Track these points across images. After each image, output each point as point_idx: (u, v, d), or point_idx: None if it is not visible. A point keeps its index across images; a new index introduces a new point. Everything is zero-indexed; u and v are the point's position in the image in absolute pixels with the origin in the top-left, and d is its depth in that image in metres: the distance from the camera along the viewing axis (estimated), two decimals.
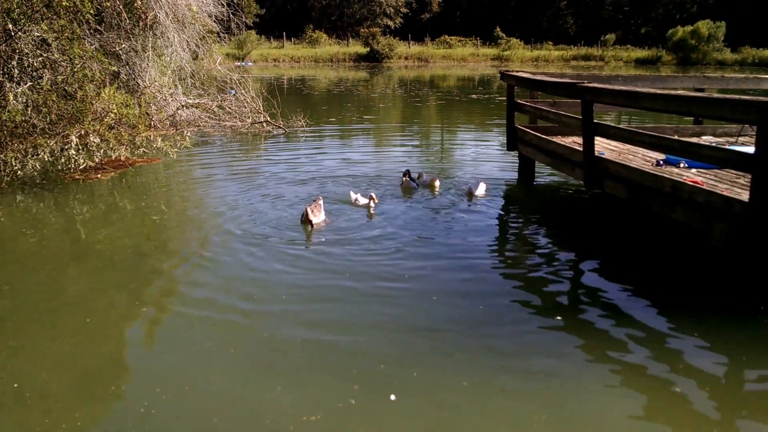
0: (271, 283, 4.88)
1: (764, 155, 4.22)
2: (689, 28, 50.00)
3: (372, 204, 5.85)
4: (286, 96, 21.18)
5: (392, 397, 3.37)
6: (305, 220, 6.14)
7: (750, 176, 4.41)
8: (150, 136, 8.79)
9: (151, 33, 12.08)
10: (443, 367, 3.71)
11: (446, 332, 4.14)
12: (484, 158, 10.67)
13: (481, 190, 7.61)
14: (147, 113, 11.04)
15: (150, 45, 12.02)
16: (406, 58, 52.99)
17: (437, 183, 8.02)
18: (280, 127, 13.14)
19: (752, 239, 4.40)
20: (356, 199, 6.01)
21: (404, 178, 7.98)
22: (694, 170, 6.22)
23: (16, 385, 3.45)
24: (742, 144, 6.93)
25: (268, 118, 13.34)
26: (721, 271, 5.06)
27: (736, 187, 5.43)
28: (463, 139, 13.88)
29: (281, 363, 3.74)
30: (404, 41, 55.78)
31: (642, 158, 6.94)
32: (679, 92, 5.73)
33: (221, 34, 15.51)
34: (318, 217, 6.22)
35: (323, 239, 5.94)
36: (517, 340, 4.07)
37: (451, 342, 4.02)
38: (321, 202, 6.49)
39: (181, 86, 13.17)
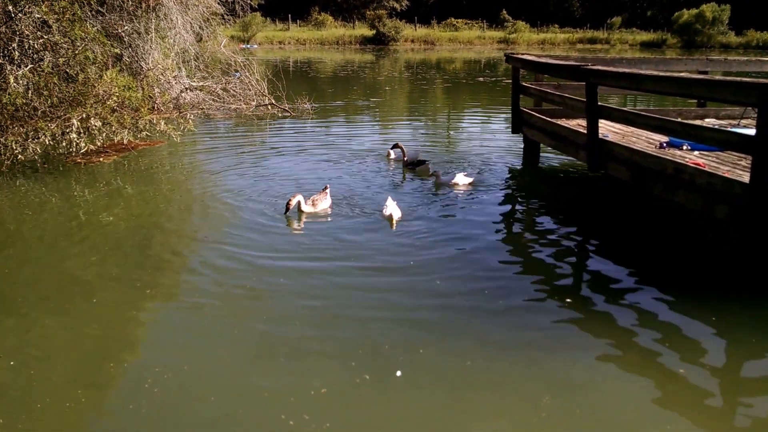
0: (273, 268, 4.91)
1: (765, 137, 4.21)
2: (694, 11, 49.54)
3: (395, 219, 5.80)
4: (291, 79, 21.14)
5: (398, 373, 3.42)
6: (295, 209, 6.11)
7: (751, 158, 4.40)
8: (153, 119, 8.78)
9: (154, 15, 12.04)
10: (447, 347, 3.75)
11: (450, 315, 4.17)
12: (489, 140, 10.66)
13: (461, 180, 7.31)
14: (150, 96, 11.05)
15: (153, 27, 11.98)
16: (412, 41, 52.67)
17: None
18: (286, 110, 13.10)
19: (753, 221, 4.40)
20: (386, 206, 5.92)
21: (390, 152, 8.28)
22: (696, 152, 6.20)
23: (20, 366, 3.50)
24: (745, 126, 6.89)
25: (273, 101, 13.31)
26: (725, 253, 5.06)
27: (737, 169, 5.42)
28: (469, 121, 13.86)
29: (284, 344, 3.77)
30: (410, 24, 55.38)
31: (645, 141, 6.92)
32: (682, 75, 5.71)
33: (225, 16, 15.46)
34: (318, 205, 6.19)
35: (326, 226, 5.96)
36: (522, 322, 4.10)
37: (454, 324, 4.05)
38: (328, 190, 6.47)
39: (185, 69, 13.15)
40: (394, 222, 5.80)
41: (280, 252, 5.22)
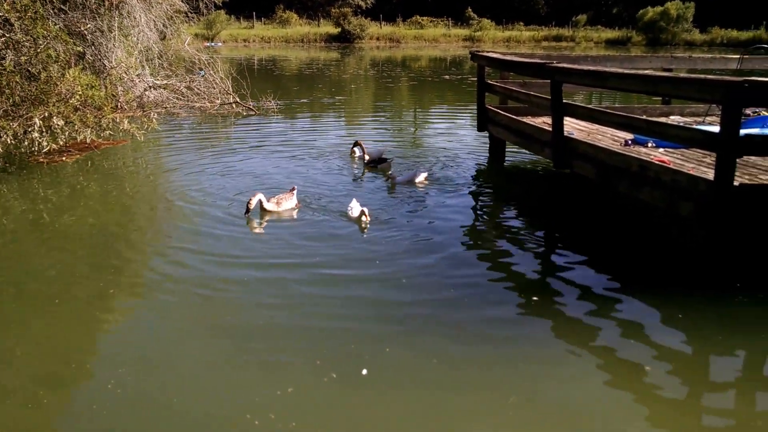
0: (239, 266, 4.84)
1: (728, 134, 4.28)
2: (659, 9, 50.39)
3: (364, 219, 5.73)
4: (256, 77, 20.95)
5: (364, 371, 3.39)
6: (257, 209, 6.03)
7: (715, 155, 4.47)
8: (116, 117, 8.59)
9: (117, 12, 11.79)
10: (414, 345, 3.73)
11: (416, 313, 4.15)
12: (455, 138, 10.68)
13: (416, 178, 7.26)
14: (113, 95, 10.80)
15: (116, 25, 11.73)
16: (377, 39, 52.64)
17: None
18: (251, 109, 12.98)
19: (718, 218, 4.46)
20: (351, 209, 5.85)
21: (355, 150, 8.33)
22: (661, 150, 6.27)
23: None
24: (710, 124, 7.01)
25: (238, 100, 13.16)
26: (690, 250, 5.14)
27: (702, 166, 5.49)
28: (435, 119, 13.88)
29: (249, 344, 3.72)
30: (376, 22, 55.31)
31: (611, 138, 6.98)
32: (646, 72, 5.77)
33: (189, 14, 15.23)
34: (283, 204, 6.10)
35: (293, 224, 5.91)
36: (487, 319, 4.09)
37: (421, 322, 4.03)
38: (295, 191, 6.39)
39: (149, 67, 12.90)
40: (364, 223, 5.75)
41: (245, 251, 5.14)
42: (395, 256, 5.07)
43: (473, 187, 7.36)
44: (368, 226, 5.70)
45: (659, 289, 4.62)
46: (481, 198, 7.03)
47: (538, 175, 8.14)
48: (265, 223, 5.88)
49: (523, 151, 8.56)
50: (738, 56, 7.63)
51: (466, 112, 13.68)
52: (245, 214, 5.93)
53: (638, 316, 4.15)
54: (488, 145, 9.04)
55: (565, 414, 3.10)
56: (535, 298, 4.39)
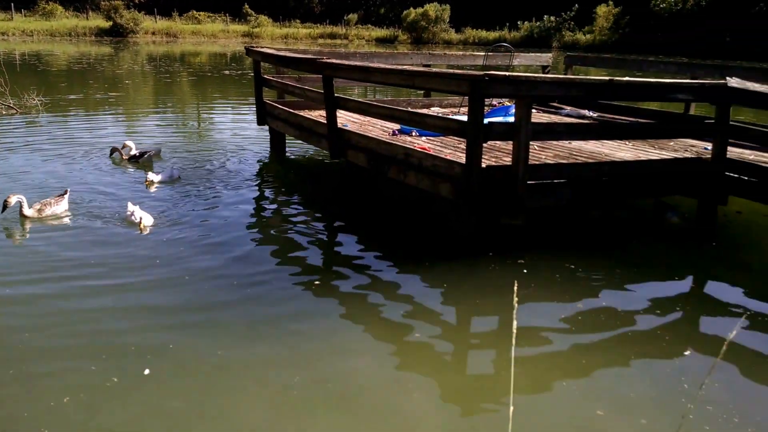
0: (5, 275, 4.46)
1: (474, 122, 4.84)
2: (420, 10, 54.15)
3: (142, 221, 5.41)
4: (19, 72, 18.99)
5: (146, 371, 3.33)
6: (22, 214, 5.59)
7: (465, 141, 5.02)
8: None
9: None
10: (197, 339, 3.73)
11: (200, 308, 4.14)
12: (238, 133, 10.65)
13: (162, 177, 7.06)
14: None
15: None
16: (153, 34, 50.07)
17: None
18: (11, 107, 11.79)
19: (469, 195, 5.02)
20: (131, 213, 5.47)
21: (117, 153, 8.07)
22: (424, 138, 6.84)
23: None
24: (464, 114, 7.77)
25: None
26: (453, 228, 5.69)
27: (458, 151, 6.10)
28: (217, 114, 13.71)
29: (19, 355, 3.45)
30: (150, 16, 52.55)
31: (381, 129, 7.46)
32: (405, 67, 6.28)
33: None
34: (46, 211, 5.62)
35: (62, 232, 5.53)
36: (273, 310, 4.19)
37: (204, 316, 4.04)
38: (67, 195, 5.93)
39: None
40: (144, 227, 5.51)
41: (15, 258, 4.74)
42: (177, 259, 4.93)
43: (256, 181, 7.43)
44: (146, 228, 5.48)
45: (427, 263, 5.06)
46: (264, 192, 7.13)
47: (318, 166, 8.44)
48: (27, 234, 5.42)
49: (303, 143, 8.79)
50: (484, 53, 8.54)
51: (248, 107, 13.64)
52: (0, 212, 5.44)
53: (411, 291, 4.51)
54: (269, 139, 9.15)
55: (348, 391, 3.29)
56: (318, 284, 4.57)
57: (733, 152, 6.09)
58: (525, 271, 4.87)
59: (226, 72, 23.89)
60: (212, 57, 33.13)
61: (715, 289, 4.89)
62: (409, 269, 4.90)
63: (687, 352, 3.74)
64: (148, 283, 4.49)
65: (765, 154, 6.47)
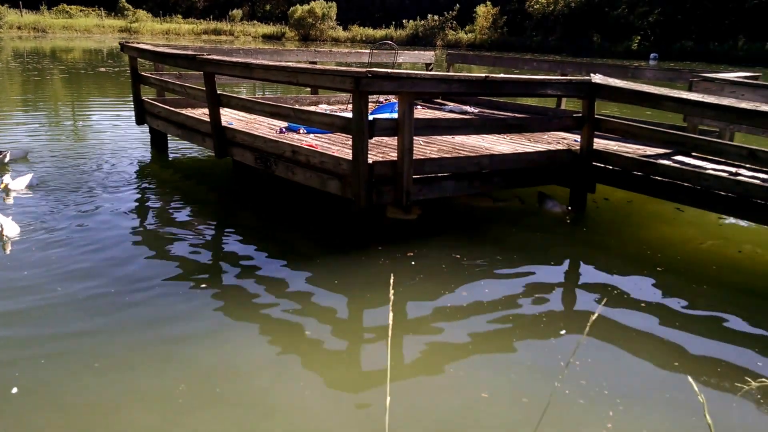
0: None
1: (359, 119, 4.91)
2: (307, 7, 53.97)
3: (7, 235, 4.99)
4: None
5: (14, 390, 3.15)
6: None
7: (351, 137, 5.09)
8: None
9: None
10: (71, 353, 3.55)
11: (75, 318, 3.93)
12: (118, 133, 10.21)
13: (20, 184, 6.51)
14: None
15: None
16: (19, 28, 46.87)
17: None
18: None
19: (357, 191, 5.09)
20: None
21: None
22: (312, 135, 6.86)
23: None
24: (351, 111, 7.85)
25: None
26: (344, 223, 5.74)
27: (346, 148, 6.16)
28: (95, 113, 13.04)
29: None
30: (15, 9, 49.09)
31: (268, 126, 7.40)
32: (289, 64, 6.26)
33: None
34: None
35: None
36: (160, 315, 4.06)
37: (81, 326, 3.85)
38: None
39: None
40: (7, 238, 5.09)
41: None
42: (48, 269, 4.62)
43: (137, 184, 7.14)
44: (8, 242, 5.06)
45: (317, 261, 5.08)
46: (145, 194, 6.86)
47: (204, 166, 8.24)
48: None
49: (187, 142, 8.56)
50: (368, 51, 8.67)
51: (128, 105, 13.05)
52: None
53: (300, 286, 4.54)
54: (150, 139, 8.84)
55: (237, 391, 3.26)
56: (205, 284, 4.48)
57: (600, 144, 6.53)
58: (413, 263, 5.00)
59: (102, 69, 22.79)
60: (87, 53, 31.47)
61: (586, 270, 5.24)
62: (300, 267, 4.91)
63: (562, 332, 3.99)
64: (16, 295, 4.22)
65: (627, 145, 6.99)
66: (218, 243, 5.53)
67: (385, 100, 8.55)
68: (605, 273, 5.04)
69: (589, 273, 5.18)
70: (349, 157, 5.13)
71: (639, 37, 46.41)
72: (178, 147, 8.96)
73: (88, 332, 3.79)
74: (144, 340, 3.75)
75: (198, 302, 4.25)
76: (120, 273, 4.64)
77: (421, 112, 8.83)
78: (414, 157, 5.20)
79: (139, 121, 8.59)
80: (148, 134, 8.97)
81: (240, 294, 4.40)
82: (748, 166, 5.95)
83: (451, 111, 9.25)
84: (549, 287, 4.77)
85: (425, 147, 6.36)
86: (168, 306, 4.18)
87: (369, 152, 5.13)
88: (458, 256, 5.17)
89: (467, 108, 9.41)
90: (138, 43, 8.58)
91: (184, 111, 7.68)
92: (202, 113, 7.65)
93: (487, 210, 6.46)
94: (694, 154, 6.45)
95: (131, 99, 8.63)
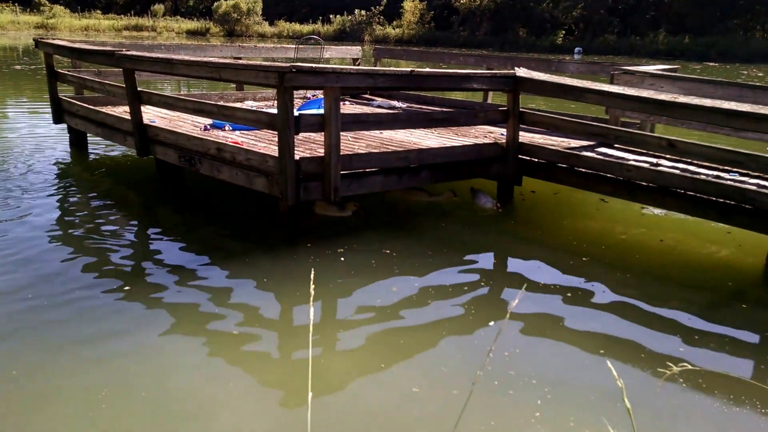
0: None
1: (284, 115, 4.84)
2: (231, 2, 52.94)
3: None
4: None
5: None
6: None
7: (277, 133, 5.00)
8: None
9: None
10: None
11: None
12: (36, 133, 9.76)
13: None
14: None
15: None
16: None
17: None
18: None
19: (283, 188, 5.02)
20: None
21: None
22: (237, 132, 6.71)
23: None
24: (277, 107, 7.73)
25: None
26: (273, 220, 5.64)
27: (273, 144, 6.05)
28: (11, 113, 12.48)
29: None
30: None
31: (192, 124, 7.20)
32: (211, 59, 6.11)
33: None
34: None
35: None
36: (77, 315, 3.92)
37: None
38: None
39: None
40: None
41: None
42: None
43: (56, 186, 6.81)
44: None
45: (246, 261, 4.98)
46: (65, 196, 6.55)
47: (125, 165, 7.95)
48: None
49: (108, 141, 8.25)
50: (294, 46, 8.56)
51: (46, 104, 12.49)
52: None
53: (231, 285, 4.44)
54: (69, 139, 8.48)
55: (162, 395, 3.18)
56: (130, 286, 4.32)
57: (525, 137, 6.65)
58: (342, 259, 4.96)
59: (18, 67, 21.84)
60: (1, 51, 30.00)
61: (513, 263, 5.33)
62: (227, 266, 4.80)
63: (491, 323, 4.04)
64: None
65: (553, 138, 7.16)
66: (143, 244, 5.35)
67: (313, 95, 8.47)
68: (531, 264, 5.14)
69: (515, 265, 5.27)
70: (276, 153, 5.05)
71: (563, 32, 47.75)
72: (99, 146, 8.63)
73: (3, 337, 3.60)
74: (63, 343, 3.60)
75: (121, 304, 4.10)
76: (40, 276, 4.45)
77: (348, 108, 8.80)
78: (342, 153, 5.16)
79: (57, 119, 8.23)
80: (67, 133, 8.60)
81: (165, 295, 4.27)
82: (668, 156, 6.17)
83: (379, 106, 9.25)
84: (476, 280, 4.82)
85: (353, 143, 6.33)
86: (90, 309, 4.02)
87: (296, 149, 5.06)
88: (388, 251, 5.17)
89: (395, 103, 9.43)
90: (54, 39, 8.20)
91: (104, 109, 7.39)
92: (122, 111, 7.39)
93: (421, 204, 6.48)
94: (616, 145, 6.65)
95: (47, 97, 8.26)
